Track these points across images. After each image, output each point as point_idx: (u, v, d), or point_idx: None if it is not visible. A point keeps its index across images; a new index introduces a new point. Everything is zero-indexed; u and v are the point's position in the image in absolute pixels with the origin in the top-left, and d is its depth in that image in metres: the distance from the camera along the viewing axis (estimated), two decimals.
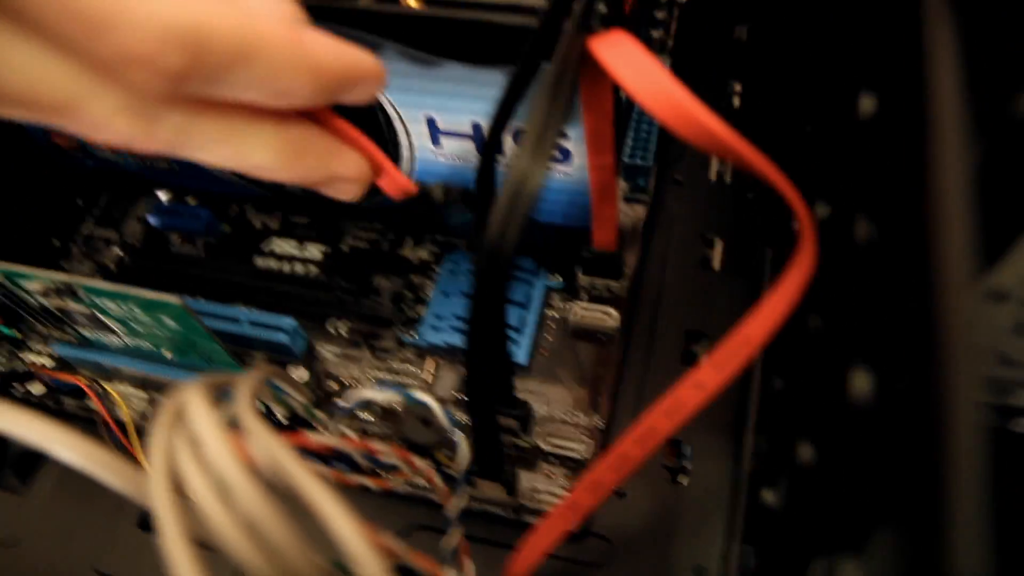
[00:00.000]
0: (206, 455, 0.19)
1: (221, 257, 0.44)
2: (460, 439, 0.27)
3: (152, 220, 0.46)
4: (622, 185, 0.42)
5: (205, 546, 0.18)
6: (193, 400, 0.21)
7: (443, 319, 0.40)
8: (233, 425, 0.21)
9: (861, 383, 0.20)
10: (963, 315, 0.14)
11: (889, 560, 0.17)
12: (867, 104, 0.23)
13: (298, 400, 0.28)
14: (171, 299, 0.33)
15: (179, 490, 0.19)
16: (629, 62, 0.22)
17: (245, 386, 0.24)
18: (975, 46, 0.17)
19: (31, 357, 0.43)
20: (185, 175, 0.43)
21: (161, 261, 0.44)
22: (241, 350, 0.41)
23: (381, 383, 0.38)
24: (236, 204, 0.46)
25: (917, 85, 0.17)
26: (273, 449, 0.20)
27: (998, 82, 0.16)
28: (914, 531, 0.15)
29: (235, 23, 0.22)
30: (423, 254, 0.43)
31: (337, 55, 0.24)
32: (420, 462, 0.26)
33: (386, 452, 0.25)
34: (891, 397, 0.19)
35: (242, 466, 0.18)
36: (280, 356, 0.41)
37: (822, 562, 0.22)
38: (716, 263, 0.42)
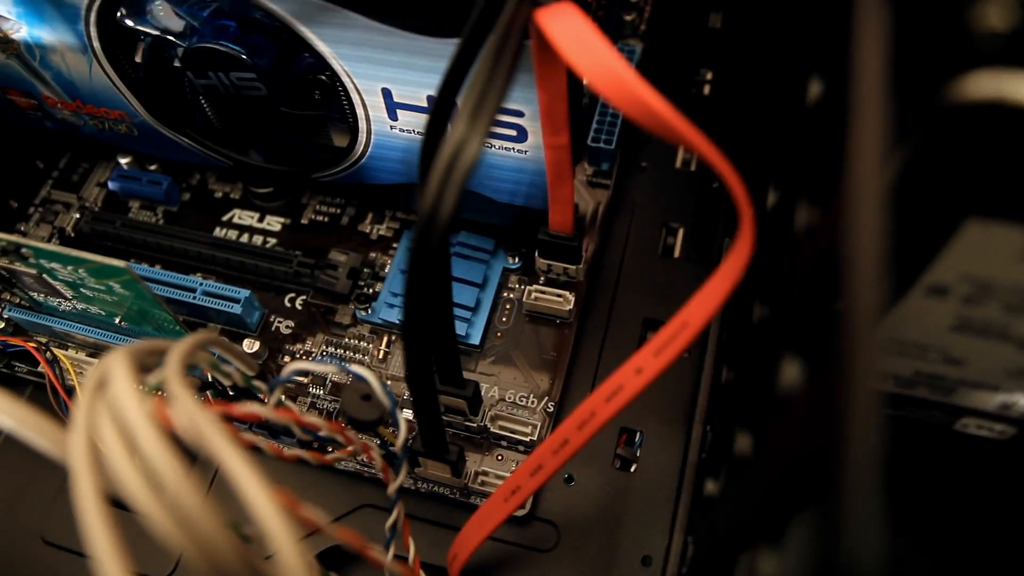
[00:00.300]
0: (121, 418, 0.18)
1: (180, 225, 0.44)
2: (400, 416, 0.27)
3: (112, 185, 0.45)
4: (586, 168, 0.42)
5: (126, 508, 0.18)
6: (115, 365, 0.21)
7: (399, 296, 0.39)
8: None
9: (790, 373, 0.20)
10: (867, 308, 0.13)
11: (800, 552, 0.17)
12: (814, 89, 0.22)
13: (237, 369, 0.28)
14: (117, 264, 0.32)
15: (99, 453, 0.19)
16: (573, 34, 0.22)
17: (176, 352, 0.23)
18: (906, 32, 0.17)
19: None
20: (145, 141, 0.42)
21: (119, 227, 0.43)
22: (196, 320, 0.40)
23: (329, 357, 0.37)
24: (198, 173, 0.46)
25: (847, 70, 0.16)
26: (193, 415, 0.19)
27: (928, 71, 0.16)
28: (817, 522, 0.15)
29: None
30: (382, 230, 0.42)
31: None
32: (355, 436, 0.26)
33: (320, 425, 0.25)
34: (813, 388, 0.18)
35: (155, 430, 0.18)
36: (235, 328, 0.40)
37: (748, 555, 0.22)
38: (677, 251, 0.41)
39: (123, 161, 0.45)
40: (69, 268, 0.34)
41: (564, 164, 0.32)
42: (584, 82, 0.23)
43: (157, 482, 0.17)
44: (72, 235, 0.45)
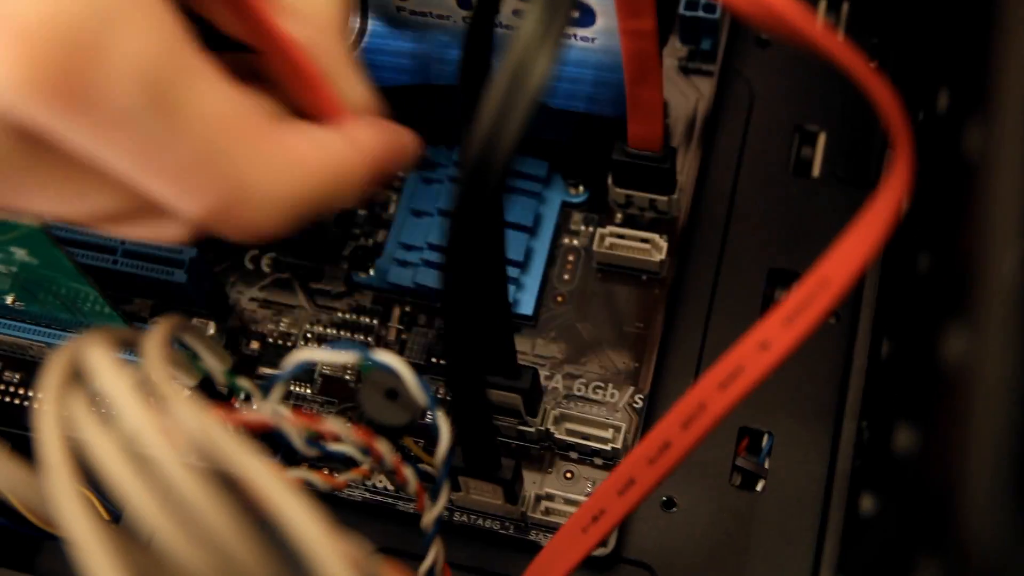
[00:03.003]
0: (125, 427, 0.24)
1: None
2: (440, 419, 0.33)
3: None
4: (678, 48, 0.47)
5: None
6: (96, 354, 0.25)
7: (412, 249, 0.45)
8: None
9: (956, 344, 0.25)
10: None
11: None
12: None
13: (214, 364, 0.34)
14: (28, 223, 0.39)
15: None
16: None
17: (154, 342, 0.28)
18: None
19: None
20: None
21: None
22: (116, 295, 0.46)
23: (332, 343, 0.43)
24: None
25: None
26: (202, 424, 0.24)
27: None
28: None
29: None
30: None
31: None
32: (386, 449, 0.32)
33: (343, 433, 0.31)
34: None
35: (170, 443, 0.24)
36: (172, 304, 0.47)
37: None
38: (816, 168, 0.47)
39: None
40: None
41: (649, 56, 0.37)
42: None
43: (194, 516, 0.22)
44: None
